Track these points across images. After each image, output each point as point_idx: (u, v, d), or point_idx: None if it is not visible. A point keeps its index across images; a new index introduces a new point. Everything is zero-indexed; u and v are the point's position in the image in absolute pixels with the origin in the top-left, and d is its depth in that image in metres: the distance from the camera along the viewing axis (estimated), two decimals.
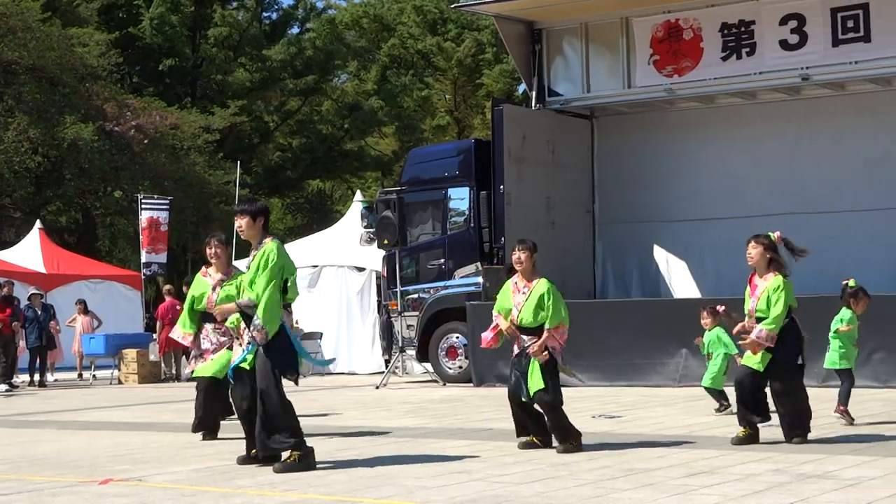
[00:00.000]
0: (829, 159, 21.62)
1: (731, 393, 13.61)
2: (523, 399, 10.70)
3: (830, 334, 12.62)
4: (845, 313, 12.59)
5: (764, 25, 20.77)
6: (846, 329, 12.52)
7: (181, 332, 12.60)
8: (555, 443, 10.66)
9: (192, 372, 12.96)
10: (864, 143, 21.40)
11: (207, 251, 12.56)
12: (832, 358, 12.66)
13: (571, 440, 10.59)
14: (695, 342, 14.47)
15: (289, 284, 10.04)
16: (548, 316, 10.61)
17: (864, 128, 21.49)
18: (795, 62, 20.56)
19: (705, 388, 14.14)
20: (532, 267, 10.85)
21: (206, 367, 12.46)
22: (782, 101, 22.08)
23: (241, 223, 10.27)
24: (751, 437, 10.82)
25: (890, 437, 11.08)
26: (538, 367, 10.56)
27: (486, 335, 11.05)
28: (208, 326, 12.45)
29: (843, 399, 12.34)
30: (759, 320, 10.77)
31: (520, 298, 10.77)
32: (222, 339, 12.29)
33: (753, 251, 10.86)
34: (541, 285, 10.71)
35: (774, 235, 10.95)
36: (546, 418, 10.73)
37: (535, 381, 10.56)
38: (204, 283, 12.50)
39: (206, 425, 12.66)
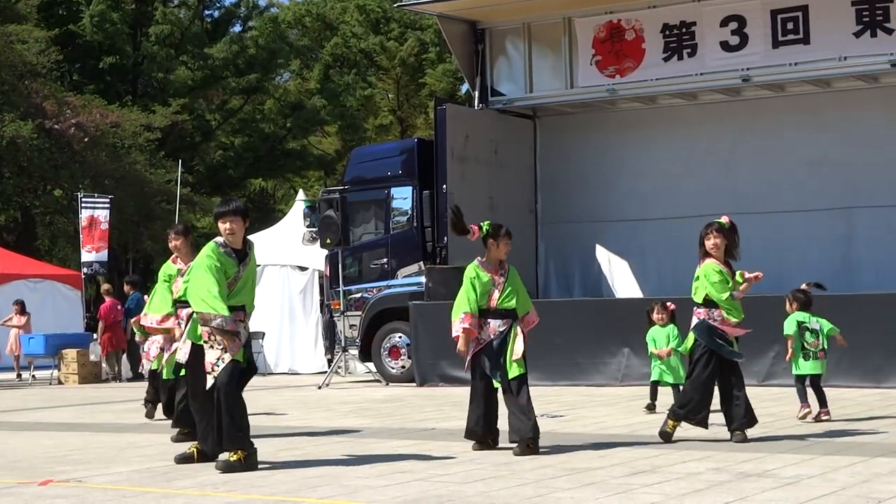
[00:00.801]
0: (769, 160, 21.79)
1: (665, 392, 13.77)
2: (496, 383, 10.45)
3: (823, 342, 12.56)
4: (827, 322, 12.59)
5: (705, 27, 20.90)
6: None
7: (156, 316, 11.90)
8: (504, 441, 10.61)
9: (166, 362, 12.61)
10: (804, 144, 21.58)
11: (169, 245, 12.25)
12: (824, 364, 12.64)
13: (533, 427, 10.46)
14: (666, 349, 13.70)
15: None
16: (522, 301, 10.59)
17: (803, 129, 21.67)
18: (736, 63, 20.71)
19: (675, 384, 13.56)
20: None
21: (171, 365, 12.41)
22: (723, 101, 22.24)
23: (233, 226, 9.68)
24: (675, 429, 10.92)
25: (828, 435, 11.18)
26: (518, 351, 10.42)
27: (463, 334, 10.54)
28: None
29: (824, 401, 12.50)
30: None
31: (499, 280, 10.58)
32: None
33: (719, 240, 10.71)
34: (514, 271, 10.66)
35: (724, 220, 10.91)
36: (517, 403, 10.38)
37: (517, 366, 10.40)
38: (172, 268, 12.09)
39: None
